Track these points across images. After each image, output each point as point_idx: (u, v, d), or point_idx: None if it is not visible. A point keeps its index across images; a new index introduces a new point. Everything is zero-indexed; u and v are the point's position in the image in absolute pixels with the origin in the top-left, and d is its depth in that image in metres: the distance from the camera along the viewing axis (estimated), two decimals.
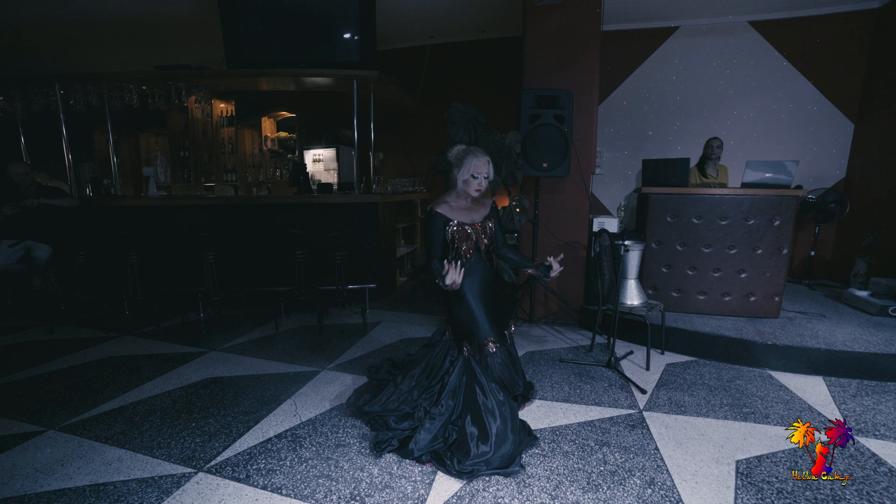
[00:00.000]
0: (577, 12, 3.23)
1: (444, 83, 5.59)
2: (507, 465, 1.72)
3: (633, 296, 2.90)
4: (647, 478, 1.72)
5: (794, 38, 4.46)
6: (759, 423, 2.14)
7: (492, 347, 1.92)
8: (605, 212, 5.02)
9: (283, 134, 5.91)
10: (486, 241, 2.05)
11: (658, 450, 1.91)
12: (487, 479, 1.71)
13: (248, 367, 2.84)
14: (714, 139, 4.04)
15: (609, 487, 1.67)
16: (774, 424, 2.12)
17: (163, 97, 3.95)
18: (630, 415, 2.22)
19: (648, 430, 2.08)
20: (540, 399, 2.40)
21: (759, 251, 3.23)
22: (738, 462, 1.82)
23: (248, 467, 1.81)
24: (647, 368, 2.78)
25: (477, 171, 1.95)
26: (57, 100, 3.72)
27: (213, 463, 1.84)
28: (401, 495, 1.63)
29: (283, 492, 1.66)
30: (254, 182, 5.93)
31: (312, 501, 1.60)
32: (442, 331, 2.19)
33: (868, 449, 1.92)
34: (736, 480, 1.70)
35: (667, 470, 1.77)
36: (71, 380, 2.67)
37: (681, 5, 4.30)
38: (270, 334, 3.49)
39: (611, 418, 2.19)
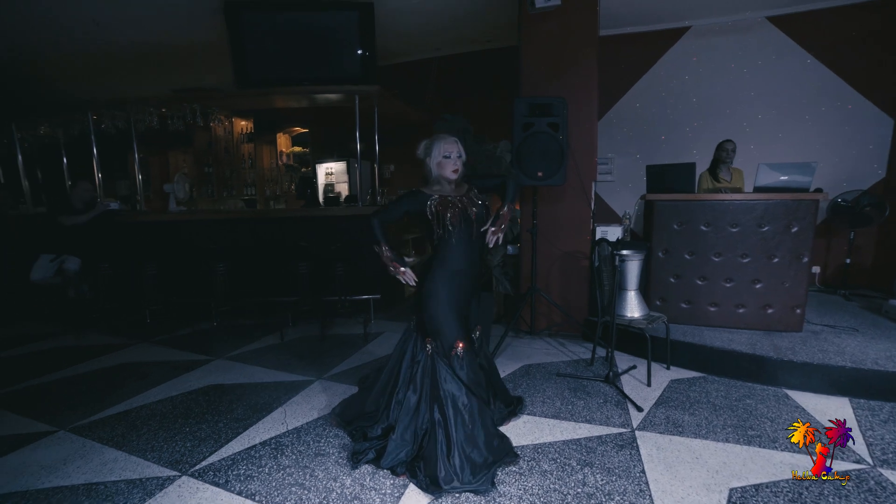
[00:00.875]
0: (572, 18, 3.19)
1: (452, 94, 5.64)
2: (478, 481, 1.68)
3: (632, 307, 2.78)
4: (627, 502, 1.63)
5: (819, 31, 4.21)
6: (764, 447, 1.97)
7: (460, 350, 1.87)
8: (616, 219, 4.87)
9: (297, 149, 6.16)
10: (474, 209, 1.92)
11: (644, 472, 1.80)
12: (458, 495, 1.67)
13: (248, 376, 2.93)
14: (727, 142, 3.85)
15: None
16: (782, 450, 1.95)
17: (181, 118, 4.22)
18: (621, 434, 2.11)
19: (638, 450, 1.97)
20: (528, 415, 2.34)
21: (776, 259, 3.03)
22: (731, 490, 1.69)
23: (229, 473, 1.86)
24: (649, 384, 2.64)
25: (448, 151, 1.89)
26: (89, 124, 4.06)
27: (197, 467, 1.91)
28: None
29: (256, 498, 1.69)
30: (271, 195, 6.18)
31: None
32: (411, 318, 2.10)
33: (892, 483, 1.73)
34: None
35: (650, 495, 1.66)
36: (87, 384, 2.86)
37: (690, 4, 4.16)
38: (275, 344, 3.60)
39: (599, 437, 2.09)
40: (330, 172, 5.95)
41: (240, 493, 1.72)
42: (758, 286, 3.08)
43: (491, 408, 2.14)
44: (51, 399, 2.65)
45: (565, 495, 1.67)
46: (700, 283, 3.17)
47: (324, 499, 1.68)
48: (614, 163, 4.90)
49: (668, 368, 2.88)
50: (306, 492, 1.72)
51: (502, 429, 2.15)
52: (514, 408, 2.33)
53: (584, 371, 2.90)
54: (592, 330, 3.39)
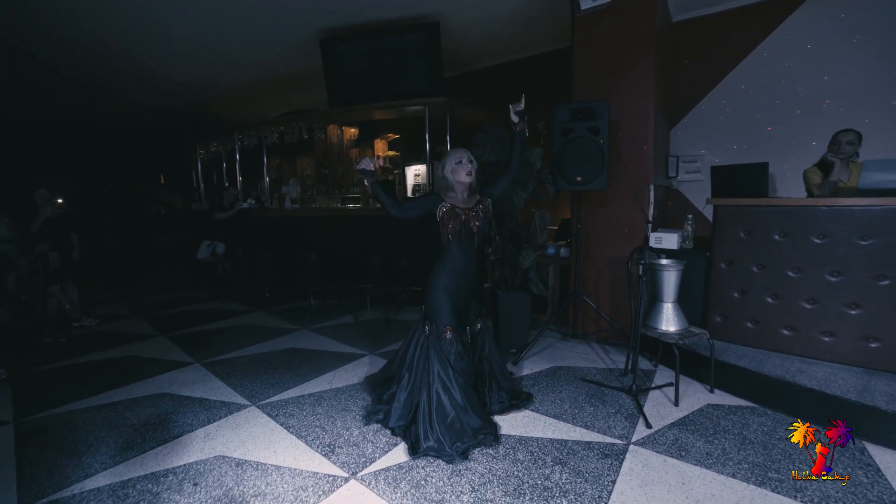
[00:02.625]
0: (626, 16, 3.04)
1: (534, 95, 5.66)
2: (449, 453, 1.94)
3: (668, 320, 2.61)
4: (573, 502, 1.69)
5: None
6: (777, 493, 1.72)
7: (448, 334, 2.12)
8: None
9: (391, 153, 6.91)
10: (477, 223, 2.16)
11: (614, 483, 1.80)
12: (431, 459, 1.96)
13: (319, 344, 3.64)
14: (845, 132, 3.14)
15: (531, 499, 1.71)
16: (801, 501, 1.69)
17: (292, 133, 5.27)
18: (613, 444, 2.09)
19: (621, 463, 1.94)
20: (532, 410, 2.45)
21: (886, 281, 2.46)
22: None
23: (279, 410, 2.48)
24: (676, 404, 2.46)
25: (459, 158, 2.15)
26: (234, 141, 5.37)
27: (262, 402, 2.58)
28: (359, 453, 2.03)
29: (291, 430, 2.25)
30: (371, 194, 7.10)
31: (302, 439, 2.15)
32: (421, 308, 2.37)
33: None
34: None
35: (603, 503, 1.69)
36: (219, 335, 3.93)
37: None
38: (349, 322, 4.30)
39: (588, 443, 2.11)
40: (417, 174, 6.56)
41: (282, 424, 2.31)
42: (854, 312, 2.54)
43: (481, 393, 2.33)
44: (197, 342, 3.75)
45: (523, 483, 1.81)
46: (771, 301, 2.75)
47: (333, 439, 2.15)
48: (704, 160, 4.37)
49: (711, 391, 2.62)
50: (324, 433, 2.21)
51: (499, 417, 2.33)
52: (519, 401, 2.47)
53: (612, 380, 2.83)
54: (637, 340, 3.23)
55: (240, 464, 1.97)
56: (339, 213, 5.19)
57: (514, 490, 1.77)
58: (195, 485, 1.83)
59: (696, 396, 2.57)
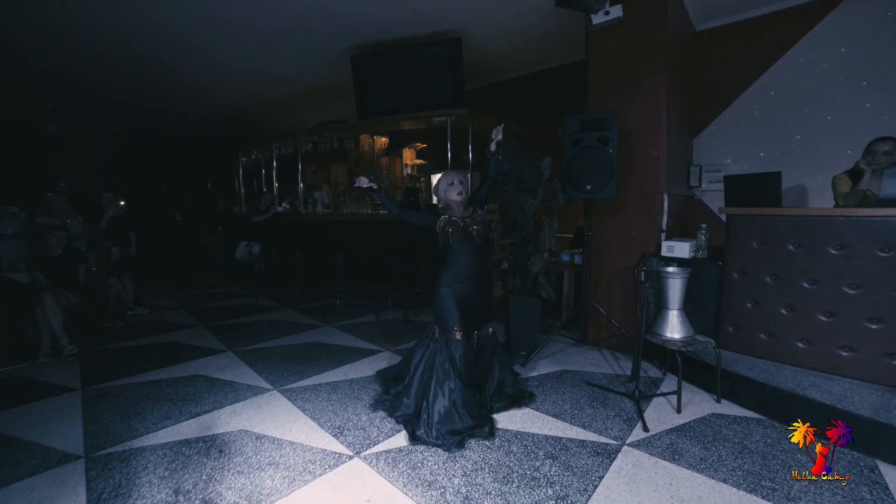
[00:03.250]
0: (637, 30, 3.10)
1: (556, 105, 5.75)
2: (446, 442, 2.08)
3: (673, 328, 2.62)
4: (561, 493, 1.77)
5: None
6: (768, 500, 1.73)
7: (457, 336, 2.27)
8: None
9: (418, 161, 7.17)
10: (475, 227, 2.34)
11: (602, 479, 1.87)
12: (429, 447, 2.10)
13: (341, 340, 3.87)
14: (883, 140, 2.99)
15: (518, 486, 1.81)
16: None
17: (324, 143, 5.63)
18: (607, 444, 2.15)
19: (611, 462, 1.99)
20: (532, 409, 2.53)
21: None
22: None
23: (298, 395, 2.70)
24: (678, 411, 2.47)
25: (451, 180, 2.39)
26: (271, 150, 5.80)
27: (283, 387, 2.82)
28: (365, 436, 2.21)
29: (306, 412, 2.47)
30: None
31: (315, 421, 2.36)
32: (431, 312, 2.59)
33: None
34: None
35: (588, 497, 1.75)
36: (251, 328, 4.26)
37: None
38: (371, 321, 4.52)
39: (583, 441, 2.18)
40: None
41: (299, 407, 2.53)
42: (875, 327, 2.46)
43: (485, 392, 2.46)
44: (231, 332, 4.10)
45: (513, 472, 1.92)
46: (786, 312, 2.70)
47: (343, 423, 2.34)
48: (729, 169, 4.29)
49: (718, 401, 2.59)
50: (335, 416, 2.41)
51: (500, 414, 2.44)
52: (521, 400, 2.57)
53: (616, 385, 2.86)
54: (646, 348, 3.23)
55: (259, 437, 2.20)
56: (365, 217, 5.48)
57: (504, 477, 1.88)
58: (220, 451, 2.07)
59: (701, 405, 2.56)
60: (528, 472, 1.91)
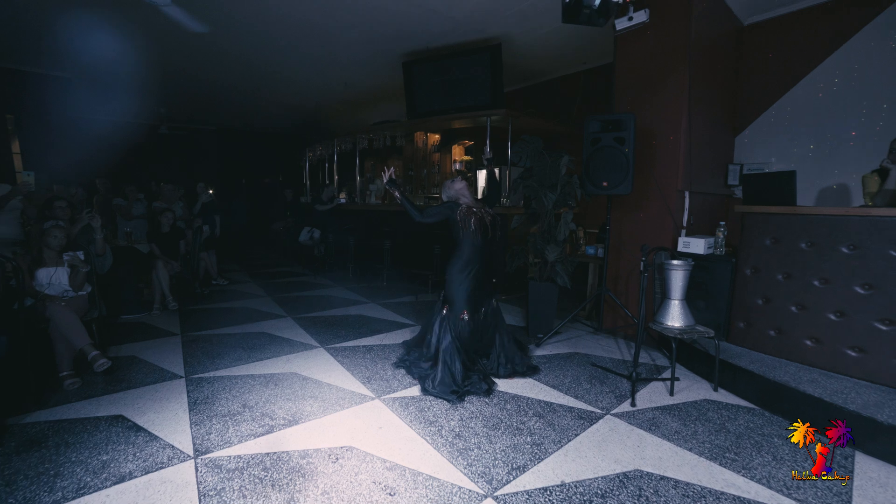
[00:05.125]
0: (660, 32, 3.19)
1: (599, 104, 5.81)
2: (449, 396, 2.49)
3: (673, 317, 2.77)
4: (538, 441, 2.10)
5: None
6: (725, 466, 1.90)
7: (465, 316, 2.67)
8: None
9: (466, 157, 7.55)
10: (489, 218, 2.76)
11: (577, 436, 2.15)
12: (435, 398, 2.52)
13: (381, 314, 4.42)
14: None
15: (503, 432, 2.17)
16: (751, 479, 1.82)
17: (379, 141, 6.23)
18: (592, 412, 2.41)
19: (591, 425, 2.26)
20: (534, 379, 2.85)
21: None
22: (634, 471, 1.85)
23: (339, 351, 3.27)
24: (671, 394, 2.64)
25: (459, 186, 2.79)
26: (332, 147, 6.53)
27: (328, 346, 3.41)
28: (387, 385, 2.69)
29: (343, 365, 3.01)
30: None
31: (350, 371, 2.89)
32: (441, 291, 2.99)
33: None
34: (607, 483, 1.82)
35: (560, 447, 2.05)
36: (309, 301, 4.98)
37: None
38: (410, 301, 5.04)
39: (571, 408, 2.46)
40: None
41: (338, 361, 3.09)
42: (887, 328, 2.44)
43: (490, 359, 2.83)
44: (293, 303, 4.84)
45: (501, 422, 2.27)
46: (795, 310, 2.73)
47: (371, 374, 2.85)
48: (772, 167, 4.15)
49: (715, 390, 2.71)
50: (366, 370, 2.93)
51: (503, 381, 2.80)
52: (525, 371, 2.90)
53: (620, 368, 3.06)
54: (658, 338, 3.37)
55: (305, 379, 2.77)
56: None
57: (493, 425, 2.25)
58: (275, 385, 2.67)
59: (697, 392, 2.70)
60: (515, 424, 2.26)
